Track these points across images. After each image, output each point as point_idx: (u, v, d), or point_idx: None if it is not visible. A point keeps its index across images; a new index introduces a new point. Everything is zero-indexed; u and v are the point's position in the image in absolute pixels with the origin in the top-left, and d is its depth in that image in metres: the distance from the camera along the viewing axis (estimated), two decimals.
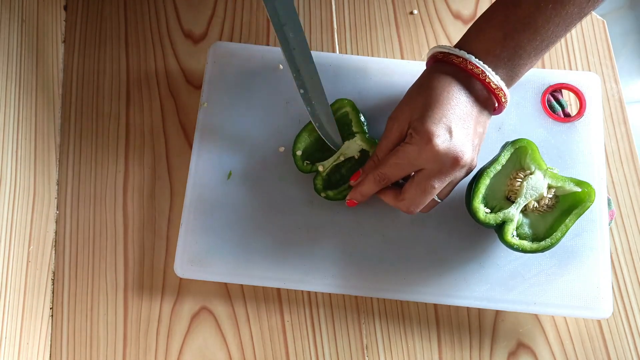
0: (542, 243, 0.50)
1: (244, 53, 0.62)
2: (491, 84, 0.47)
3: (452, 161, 0.47)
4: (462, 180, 0.51)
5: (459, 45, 0.49)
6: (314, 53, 0.62)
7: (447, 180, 0.48)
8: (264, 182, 0.58)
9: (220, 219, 0.57)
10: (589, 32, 0.66)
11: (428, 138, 0.46)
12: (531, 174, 0.51)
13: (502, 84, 0.47)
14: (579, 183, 0.51)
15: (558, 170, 0.52)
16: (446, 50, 0.48)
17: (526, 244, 0.51)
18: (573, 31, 0.66)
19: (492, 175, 0.51)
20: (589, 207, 0.50)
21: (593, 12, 0.67)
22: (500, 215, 0.51)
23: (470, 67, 0.47)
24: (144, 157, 0.62)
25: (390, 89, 0.60)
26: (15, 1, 0.58)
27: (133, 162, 0.62)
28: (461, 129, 0.47)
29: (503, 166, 0.52)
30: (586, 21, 0.66)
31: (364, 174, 0.52)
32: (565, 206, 0.52)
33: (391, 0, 0.68)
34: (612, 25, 1.47)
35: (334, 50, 0.65)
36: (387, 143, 0.50)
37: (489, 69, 0.47)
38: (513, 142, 0.52)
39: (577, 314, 0.54)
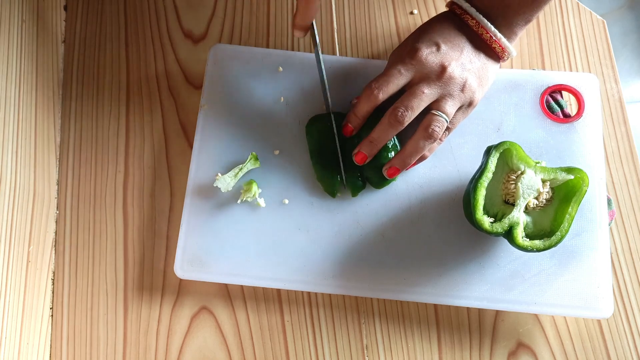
0: (553, 238, 0.50)
1: (244, 55, 0.62)
2: (483, 35, 0.52)
3: (439, 69, 0.50)
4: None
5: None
6: (314, 54, 0.62)
7: (436, 89, 0.50)
8: (264, 183, 0.58)
9: (220, 219, 0.57)
10: (589, 33, 0.66)
11: (415, 50, 0.50)
12: (522, 173, 0.52)
13: (498, 35, 0.52)
14: (569, 170, 0.51)
15: (546, 162, 0.53)
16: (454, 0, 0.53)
17: (538, 243, 0.50)
18: (573, 31, 0.66)
19: (486, 185, 0.51)
20: (586, 192, 0.51)
21: (593, 12, 0.67)
22: (506, 222, 0.51)
23: (466, 17, 0.52)
24: (144, 157, 0.62)
25: None
26: (15, 1, 0.58)
27: (133, 162, 0.62)
28: (448, 46, 0.51)
29: (494, 173, 0.52)
30: (586, 21, 0.66)
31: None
32: (561, 194, 0.52)
33: (391, 0, 0.68)
34: (612, 25, 1.47)
35: (334, 51, 0.65)
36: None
37: (486, 21, 0.51)
38: (496, 147, 0.52)
39: (577, 314, 0.54)
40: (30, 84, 0.59)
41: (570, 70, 0.64)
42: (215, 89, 0.61)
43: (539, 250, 0.50)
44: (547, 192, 0.52)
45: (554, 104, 0.60)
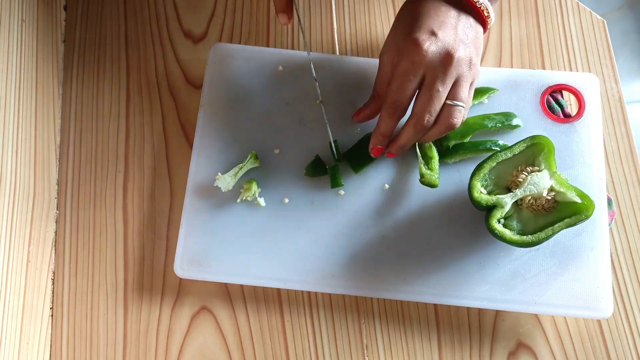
0: (525, 238, 0.50)
1: (244, 54, 0.62)
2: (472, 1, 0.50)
3: (445, 57, 0.48)
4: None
5: None
6: (314, 54, 0.62)
7: (449, 79, 0.49)
8: (263, 182, 0.58)
9: (220, 219, 0.57)
10: (589, 32, 0.66)
11: (414, 45, 0.48)
12: (538, 171, 0.52)
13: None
14: (582, 195, 0.50)
15: (567, 178, 0.52)
16: None
17: (507, 233, 0.51)
18: (573, 31, 0.66)
19: (500, 160, 0.52)
20: (582, 221, 0.50)
21: (593, 12, 0.67)
22: (493, 199, 0.51)
23: None
24: (144, 157, 0.62)
25: None
26: (15, 1, 0.58)
27: (133, 162, 0.62)
28: (445, 30, 0.49)
29: (515, 155, 0.52)
30: (586, 21, 0.66)
31: (368, 109, 0.56)
32: (562, 214, 0.51)
33: (391, 0, 0.68)
34: (612, 25, 1.47)
35: (334, 51, 0.65)
36: (382, 76, 0.53)
37: None
38: (532, 137, 0.52)
39: (577, 314, 0.54)
40: (30, 84, 0.59)
41: (571, 70, 0.64)
42: (215, 88, 0.61)
43: (503, 239, 0.50)
44: (548, 200, 0.51)
45: (555, 103, 0.60)
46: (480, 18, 0.52)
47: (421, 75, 0.49)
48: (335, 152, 0.57)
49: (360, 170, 0.57)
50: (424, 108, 0.50)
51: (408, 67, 0.49)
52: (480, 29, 0.52)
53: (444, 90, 0.49)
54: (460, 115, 0.51)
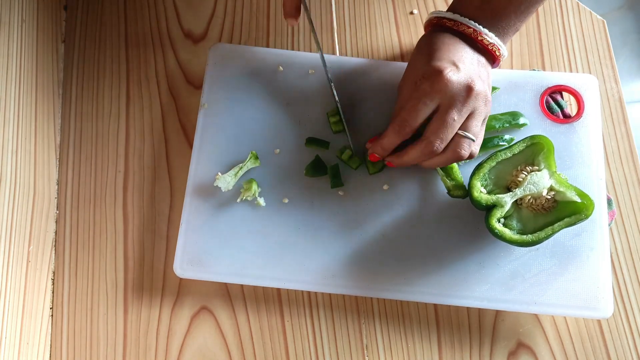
0: (524, 237, 0.50)
1: (244, 54, 0.62)
2: (484, 40, 0.51)
3: (466, 89, 0.49)
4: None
5: (451, 8, 0.53)
6: (314, 54, 0.62)
7: (465, 110, 0.50)
8: (264, 182, 0.58)
9: (220, 219, 0.57)
10: (589, 33, 0.66)
11: (438, 72, 0.49)
12: (538, 170, 0.52)
13: (495, 40, 0.52)
14: (581, 195, 0.50)
15: (567, 177, 0.52)
16: (440, 15, 0.53)
17: (507, 232, 0.51)
18: (573, 31, 0.66)
19: (500, 159, 0.52)
20: (582, 220, 0.50)
21: (593, 12, 0.67)
22: (493, 198, 0.51)
23: (462, 28, 0.51)
24: (144, 157, 0.62)
25: (390, 90, 0.60)
26: (15, 1, 0.58)
27: (133, 162, 0.62)
28: (465, 64, 0.50)
29: (514, 155, 0.52)
30: (586, 21, 0.66)
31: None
32: (562, 214, 0.51)
33: (391, 0, 0.68)
34: (612, 25, 1.47)
35: (334, 50, 0.65)
36: (401, 103, 0.53)
37: (480, 27, 0.51)
38: (531, 137, 0.52)
39: (577, 314, 0.54)
40: (30, 84, 0.59)
41: (570, 70, 0.64)
42: (215, 88, 0.61)
43: (503, 238, 0.51)
44: (548, 199, 0.51)
45: (554, 104, 0.60)
46: (492, 57, 0.53)
47: (438, 101, 0.49)
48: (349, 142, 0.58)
49: (375, 172, 0.58)
50: (435, 133, 0.50)
51: (427, 90, 0.49)
52: (489, 67, 0.53)
53: (458, 120, 0.49)
54: (469, 148, 0.51)
